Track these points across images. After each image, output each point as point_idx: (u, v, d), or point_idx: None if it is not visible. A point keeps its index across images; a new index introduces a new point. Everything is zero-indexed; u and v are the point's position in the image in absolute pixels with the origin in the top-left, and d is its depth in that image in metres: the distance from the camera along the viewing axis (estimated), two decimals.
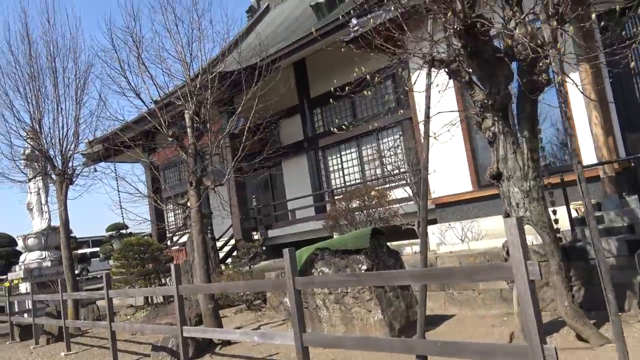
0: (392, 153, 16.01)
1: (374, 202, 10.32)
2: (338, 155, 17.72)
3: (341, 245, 6.54)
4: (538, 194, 5.51)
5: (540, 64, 5.16)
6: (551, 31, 4.77)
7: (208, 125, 9.31)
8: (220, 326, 8.39)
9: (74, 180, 12.24)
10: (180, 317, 6.26)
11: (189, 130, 8.92)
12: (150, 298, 14.52)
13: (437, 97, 6.35)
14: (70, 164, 12.33)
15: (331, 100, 7.54)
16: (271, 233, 17.65)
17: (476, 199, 10.78)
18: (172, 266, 6.33)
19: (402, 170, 15.90)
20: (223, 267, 13.40)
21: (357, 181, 17.04)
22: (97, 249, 32.07)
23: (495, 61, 5.28)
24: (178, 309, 6.27)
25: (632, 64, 5.02)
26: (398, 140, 16.00)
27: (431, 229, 10.63)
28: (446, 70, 5.67)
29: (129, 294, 7.52)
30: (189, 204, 8.66)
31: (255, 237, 18.03)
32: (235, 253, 17.05)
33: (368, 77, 6.15)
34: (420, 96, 11.57)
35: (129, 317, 12.91)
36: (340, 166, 17.66)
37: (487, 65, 5.26)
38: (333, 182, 17.84)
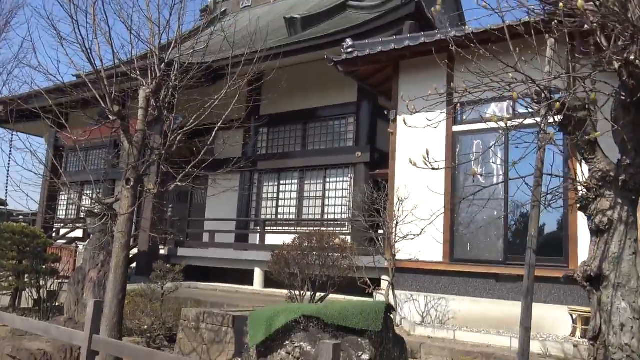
0: (340, 195, 14.28)
1: (336, 254, 8.40)
2: (275, 183, 15.64)
3: (341, 319, 4.52)
4: None
5: None
6: None
7: (165, 113, 6.99)
8: None
9: None
10: None
11: (141, 112, 6.55)
12: (18, 299, 11.38)
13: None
14: None
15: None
16: (182, 251, 15.03)
17: (445, 273, 9.18)
18: (90, 303, 3.95)
19: (345, 216, 14.22)
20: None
21: (292, 216, 15.03)
22: None
23: None
24: None
25: None
26: (348, 184, 14.28)
27: (382, 294, 8.85)
28: (557, 117, 3.99)
29: (3, 318, 4.90)
30: (117, 206, 6.25)
31: (162, 251, 15.33)
32: (134, 265, 14.28)
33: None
34: (404, 141, 10.00)
35: None
36: (275, 195, 15.56)
37: None
38: (263, 210, 15.67)
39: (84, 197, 19.44)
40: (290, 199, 15.16)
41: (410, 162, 3.69)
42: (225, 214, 15.79)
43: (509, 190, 8.74)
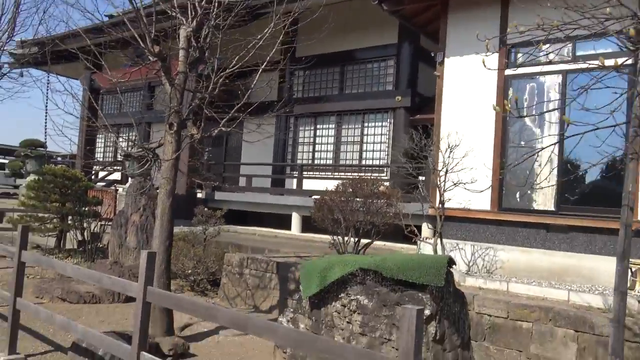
0: (379, 141, 13.89)
1: (380, 201, 8.12)
2: (312, 128, 15.28)
3: (400, 273, 4.27)
4: None
5: None
6: None
7: (207, 53, 6.62)
8: (171, 320, 5.91)
9: None
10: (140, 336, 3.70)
11: (182, 53, 6.20)
12: (63, 241, 11.54)
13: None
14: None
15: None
16: (219, 195, 15.01)
17: (493, 222, 8.83)
18: (143, 254, 3.76)
19: (384, 162, 13.86)
20: None
21: (329, 161, 14.75)
22: (5, 160, 27.61)
23: None
24: (140, 328, 3.72)
25: None
26: (387, 129, 13.84)
27: (427, 244, 8.60)
28: None
29: (54, 265, 4.84)
30: (161, 151, 6.02)
31: (199, 195, 15.34)
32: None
33: None
34: (451, 85, 9.45)
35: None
36: (312, 140, 15.23)
37: None
38: (300, 155, 15.40)
39: (121, 140, 19.51)
40: (328, 144, 14.83)
41: (494, 109, 3.25)
42: (261, 159, 15.58)
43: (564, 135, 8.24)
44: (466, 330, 4.72)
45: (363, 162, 14.10)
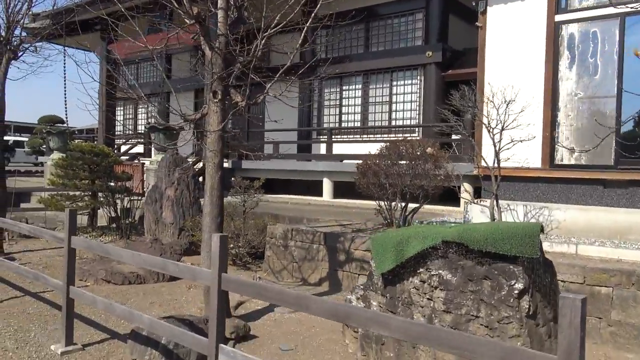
0: (409, 100, 13.31)
1: (429, 163, 7.66)
2: (338, 90, 14.70)
3: (489, 245, 3.86)
4: None
5: None
6: None
7: (246, 14, 6.10)
8: (227, 300, 5.59)
9: (19, 54, 8.59)
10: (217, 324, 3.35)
11: (221, 14, 5.68)
12: (95, 218, 11.29)
13: None
14: (17, 33, 8.64)
15: None
16: (245, 164, 14.63)
17: (545, 180, 8.37)
18: (215, 238, 3.36)
19: (415, 122, 13.32)
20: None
21: (357, 123, 14.23)
22: (23, 138, 27.33)
23: None
24: (217, 319, 3.35)
25: None
26: (417, 87, 13.24)
27: (473, 205, 8.18)
28: None
29: (109, 252, 4.47)
30: (207, 121, 5.57)
31: (225, 164, 14.94)
32: (200, 179, 13.98)
33: None
34: (495, 37, 8.80)
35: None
36: (338, 103, 14.68)
37: None
38: (326, 119, 14.89)
39: (147, 111, 19.03)
40: (355, 105, 14.27)
41: (635, 54, 2.76)
42: (285, 124, 15.08)
43: (622, 85, 7.67)
44: (557, 302, 4.33)
45: (393, 122, 13.57)
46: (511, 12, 8.61)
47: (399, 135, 13.44)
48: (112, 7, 10.29)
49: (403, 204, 7.84)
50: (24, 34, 9.28)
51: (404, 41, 13.49)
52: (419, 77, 13.12)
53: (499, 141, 6.92)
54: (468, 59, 12.67)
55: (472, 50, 13.29)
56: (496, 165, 7.00)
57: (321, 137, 14.76)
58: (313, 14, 6.60)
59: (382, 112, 13.75)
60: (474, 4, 9.06)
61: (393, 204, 7.83)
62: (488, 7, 8.82)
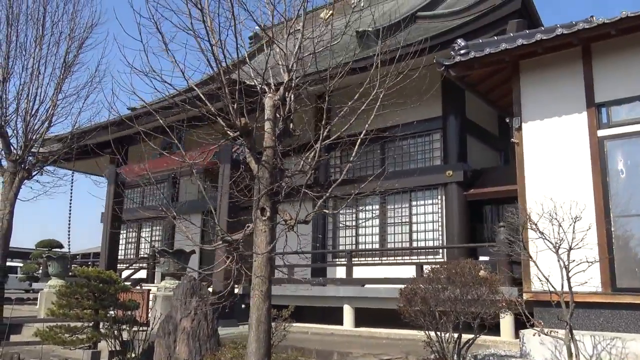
0: (431, 220, 12.73)
1: (483, 287, 6.84)
2: (354, 210, 14.14)
3: None
4: None
5: None
6: None
7: (292, 124, 5.61)
8: None
9: (33, 173, 7.99)
10: None
11: (268, 125, 5.18)
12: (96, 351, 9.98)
13: None
14: (32, 151, 8.13)
15: None
16: None
17: (607, 305, 7.49)
18: None
19: (438, 243, 12.63)
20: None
21: (375, 245, 13.49)
22: (16, 263, 26.06)
23: None
24: None
25: None
26: (438, 207, 12.73)
27: (531, 335, 7.22)
28: None
29: None
30: (255, 243, 4.81)
31: (236, 290, 13.89)
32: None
33: None
34: (533, 152, 8.39)
35: None
36: (354, 224, 14.05)
37: None
38: (342, 240, 14.16)
39: (142, 237, 18.27)
40: (373, 226, 13.63)
41: None
42: (297, 246, 14.31)
43: None
44: None
45: (414, 243, 12.85)
46: (548, 127, 8.31)
47: (421, 257, 12.69)
48: (127, 131, 9.90)
49: (456, 335, 6.87)
50: (40, 150, 8.79)
51: (422, 161, 13.23)
52: (439, 197, 12.65)
53: (568, 262, 6.16)
54: (489, 178, 12.34)
55: (489, 170, 13.03)
56: (566, 289, 6.16)
57: (337, 259, 13.92)
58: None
59: (402, 233, 13.08)
60: (507, 120, 8.79)
61: (446, 335, 6.85)
62: (523, 124, 8.52)
